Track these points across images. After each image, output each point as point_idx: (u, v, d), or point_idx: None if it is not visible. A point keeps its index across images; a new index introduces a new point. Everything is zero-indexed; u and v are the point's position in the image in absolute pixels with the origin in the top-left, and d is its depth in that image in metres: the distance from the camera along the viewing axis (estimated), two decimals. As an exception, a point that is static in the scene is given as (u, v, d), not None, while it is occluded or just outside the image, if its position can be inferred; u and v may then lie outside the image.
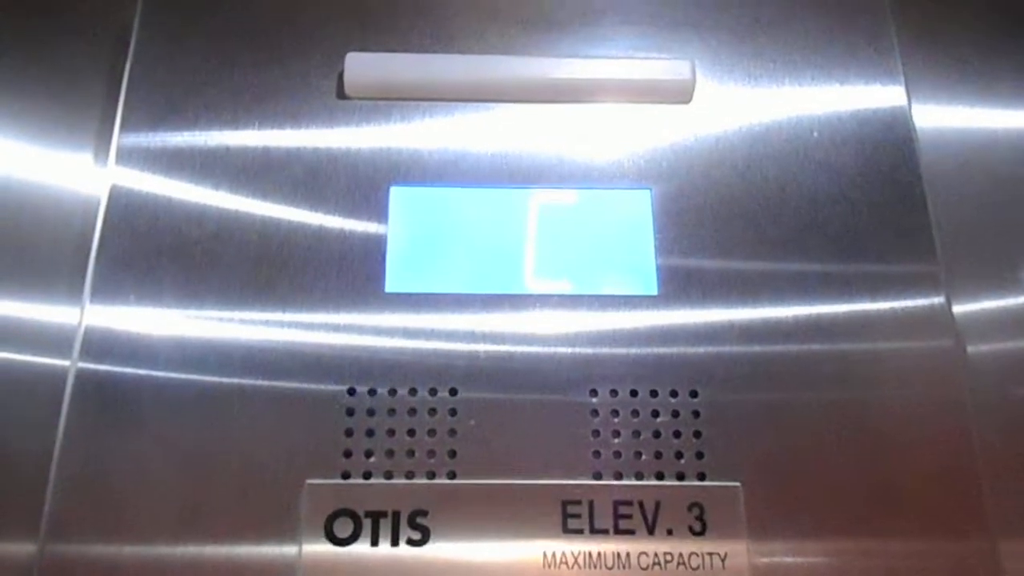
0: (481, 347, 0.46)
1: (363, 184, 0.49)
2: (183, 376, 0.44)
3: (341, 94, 0.50)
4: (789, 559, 0.43)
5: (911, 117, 0.52)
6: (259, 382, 0.44)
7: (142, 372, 0.43)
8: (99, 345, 0.43)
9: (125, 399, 0.42)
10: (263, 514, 0.42)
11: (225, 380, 0.44)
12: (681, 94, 0.51)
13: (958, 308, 0.47)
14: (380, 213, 0.48)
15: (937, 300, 0.47)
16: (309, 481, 0.42)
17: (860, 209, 0.49)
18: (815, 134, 0.51)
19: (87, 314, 0.44)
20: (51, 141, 0.50)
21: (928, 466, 0.44)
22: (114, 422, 0.42)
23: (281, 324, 0.45)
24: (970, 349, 0.46)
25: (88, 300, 0.44)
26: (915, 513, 0.43)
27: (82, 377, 0.43)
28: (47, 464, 0.40)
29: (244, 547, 0.41)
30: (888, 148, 0.51)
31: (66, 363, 0.43)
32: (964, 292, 0.48)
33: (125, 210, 0.47)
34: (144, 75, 0.50)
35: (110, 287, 0.45)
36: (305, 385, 0.44)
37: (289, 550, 0.41)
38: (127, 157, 0.48)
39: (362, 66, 0.50)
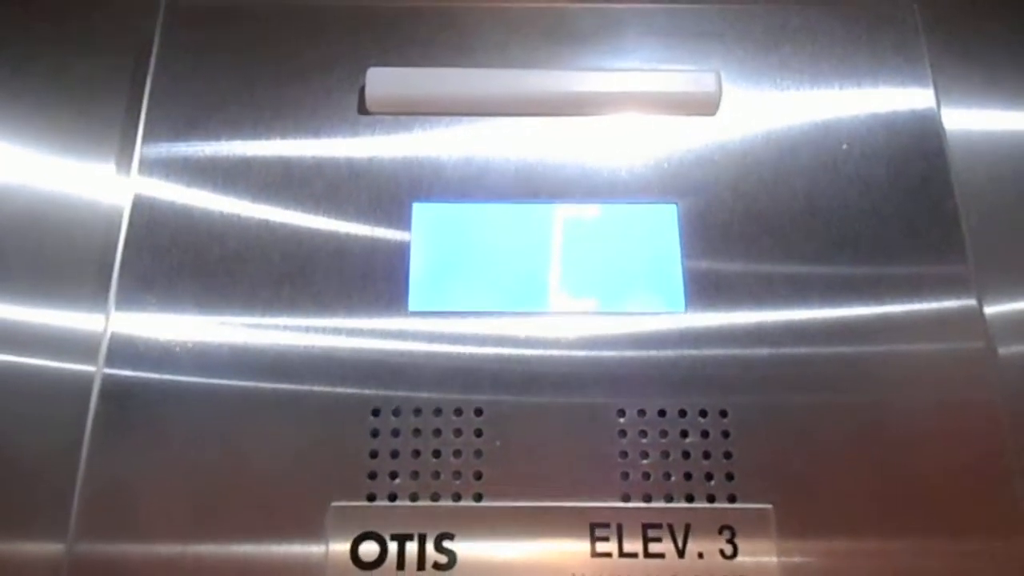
0: (506, 366, 0.45)
1: (385, 200, 0.48)
2: (206, 387, 0.44)
3: (362, 109, 0.50)
4: (823, 583, 0.42)
5: (941, 124, 0.51)
6: (282, 402, 0.44)
7: (166, 379, 0.44)
8: (124, 352, 0.44)
9: (149, 405, 0.43)
10: (287, 537, 0.42)
11: (249, 396, 0.44)
12: (707, 106, 0.51)
13: (989, 310, 0.47)
14: (402, 229, 0.48)
15: (968, 302, 0.46)
16: (334, 504, 0.42)
17: (891, 222, 0.49)
18: (844, 146, 0.51)
19: (112, 321, 0.45)
20: (75, 153, 0.51)
21: (962, 469, 0.43)
22: (139, 427, 0.42)
23: (304, 342, 0.45)
24: (1001, 351, 0.46)
25: (113, 307, 0.45)
26: (951, 518, 0.42)
27: (108, 383, 0.43)
28: (75, 466, 0.41)
29: (269, 568, 0.41)
30: (919, 158, 0.50)
31: (92, 369, 0.44)
32: (995, 294, 0.48)
33: (148, 220, 0.47)
34: (165, 90, 0.51)
35: (134, 296, 0.45)
36: (329, 405, 0.44)
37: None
38: (150, 169, 0.48)
39: (383, 81, 0.50)
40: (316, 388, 0.44)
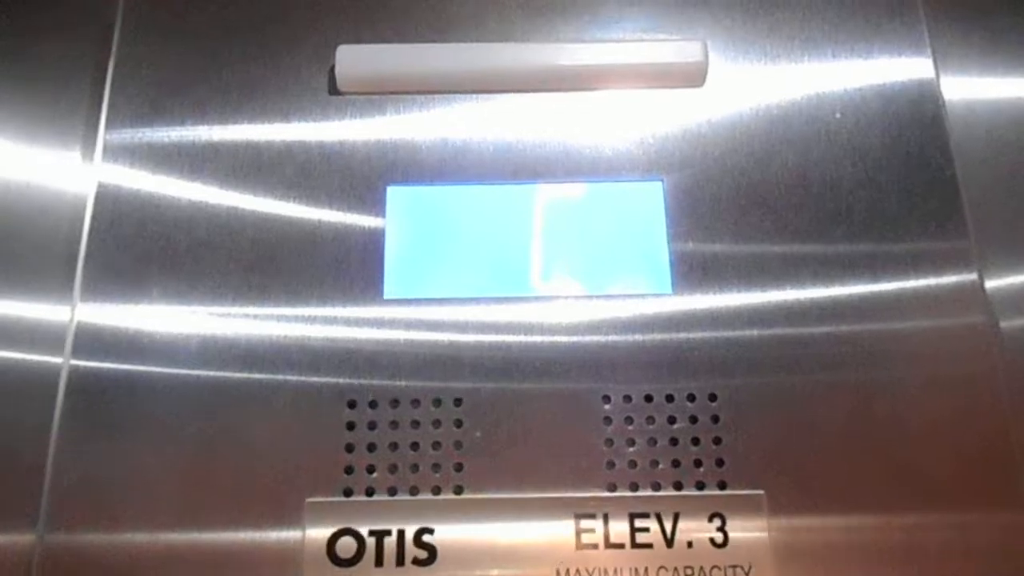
0: (486, 354, 0.44)
1: (358, 184, 0.47)
2: (175, 378, 0.43)
3: (333, 89, 0.49)
4: (819, 571, 0.41)
5: (939, 91, 0.50)
6: (254, 394, 0.44)
7: (134, 370, 0.43)
8: (91, 342, 0.43)
9: (117, 396, 0.43)
10: (262, 532, 0.41)
11: (219, 388, 0.43)
12: (693, 77, 0.50)
13: (990, 284, 0.46)
14: (377, 214, 0.47)
15: (969, 277, 0.45)
16: (310, 499, 0.42)
17: (887, 193, 0.48)
18: (838, 115, 0.49)
19: (78, 312, 0.44)
20: (37, 139, 0.50)
21: (964, 445, 0.43)
22: (107, 419, 0.42)
23: (276, 332, 0.45)
24: (1003, 324, 0.46)
25: (79, 298, 0.44)
26: (954, 497, 0.42)
27: (75, 374, 0.43)
28: (44, 458, 0.41)
29: (243, 566, 0.41)
30: (916, 126, 0.49)
31: (59, 360, 0.43)
32: (996, 268, 0.47)
33: (113, 208, 0.46)
34: (128, 73, 0.49)
35: (100, 285, 0.45)
36: (303, 397, 0.43)
37: (291, 574, 0.40)
38: (114, 155, 0.48)
39: (354, 59, 0.49)
40: (289, 379, 0.44)
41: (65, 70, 0.52)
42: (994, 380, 0.44)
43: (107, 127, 0.48)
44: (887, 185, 0.48)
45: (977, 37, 0.54)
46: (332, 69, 0.49)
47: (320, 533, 0.41)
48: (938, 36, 0.52)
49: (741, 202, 0.47)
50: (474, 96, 0.49)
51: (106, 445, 0.42)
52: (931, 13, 0.52)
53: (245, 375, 0.44)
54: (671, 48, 0.50)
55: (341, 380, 0.44)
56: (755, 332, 0.45)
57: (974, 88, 0.52)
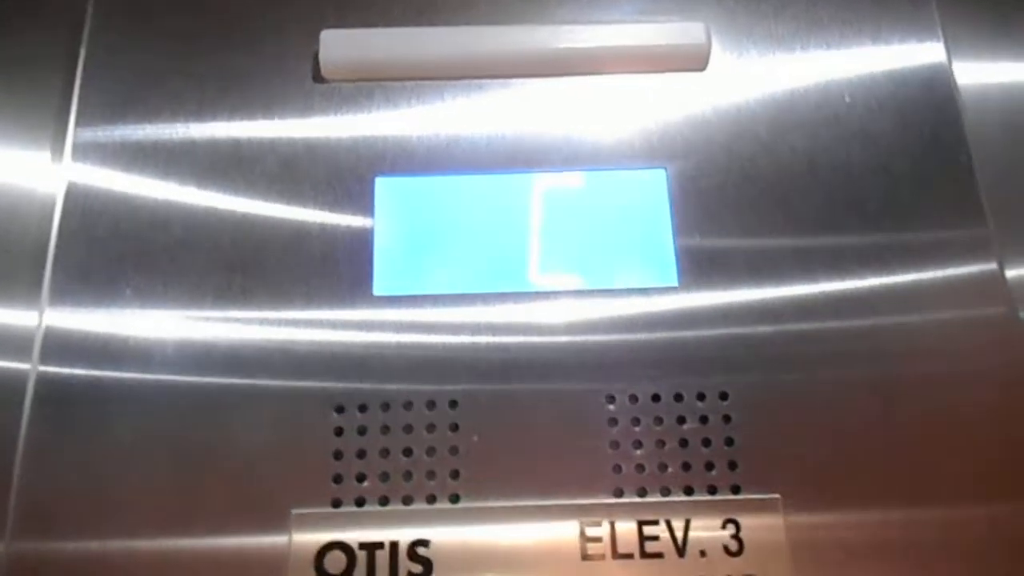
0: (483, 354, 0.43)
1: (345, 176, 0.46)
2: (150, 384, 0.42)
3: (317, 77, 0.47)
4: (838, 578, 0.39)
5: (952, 75, 0.48)
6: (235, 400, 0.42)
7: (106, 375, 0.42)
8: (60, 347, 0.42)
9: (88, 403, 0.41)
10: (245, 546, 0.39)
11: (198, 393, 0.42)
12: (695, 60, 0.48)
13: (1011, 272, 0.45)
14: (365, 207, 0.45)
15: (989, 266, 0.44)
16: (296, 511, 0.40)
17: (900, 179, 0.46)
18: (847, 99, 0.48)
19: (46, 316, 0.43)
20: (4, 136, 0.49)
21: (987, 438, 0.42)
22: (77, 426, 0.41)
23: (258, 334, 0.43)
24: (1023, 314, 0.45)
25: (47, 302, 0.43)
26: (976, 491, 0.41)
27: (42, 380, 0.42)
28: (10, 465, 0.40)
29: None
30: (929, 110, 0.48)
31: (26, 366, 0.42)
32: (1016, 256, 0.46)
33: (83, 209, 0.45)
34: (100, 64, 0.48)
35: (70, 288, 0.43)
36: (288, 402, 0.42)
37: (275, 591, 0.38)
38: (84, 153, 0.46)
39: (339, 44, 0.47)
40: (273, 383, 0.42)
41: (34, 62, 0.50)
42: (1017, 371, 0.42)
43: (78, 121, 0.46)
44: (900, 172, 0.46)
45: (987, 21, 0.53)
46: (316, 55, 0.47)
47: (307, 546, 0.39)
48: (947, 17, 0.50)
49: (748, 191, 0.46)
50: (466, 82, 0.48)
51: (76, 453, 0.41)
52: (940, -5, 0.51)
53: (226, 380, 0.42)
54: (672, 30, 0.48)
55: (328, 383, 0.42)
56: (766, 327, 0.43)
57: (986, 72, 0.52)
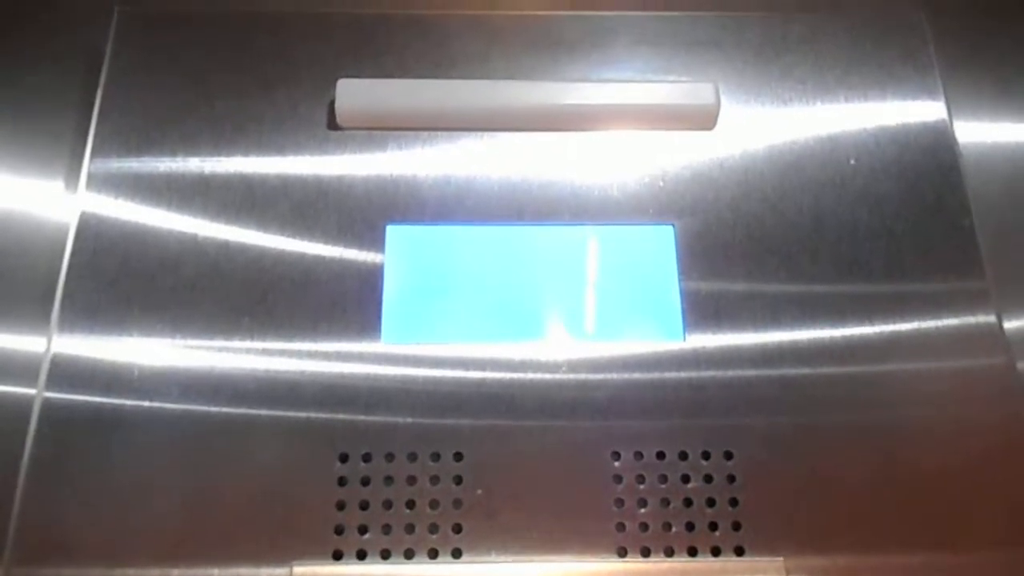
0: (489, 406, 0.43)
1: (356, 222, 0.46)
2: (154, 412, 0.42)
3: (332, 124, 0.48)
4: (842, 645, 0.39)
5: (954, 136, 0.50)
6: (239, 448, 0.42)
7: (110, 403, 0.42)
8: (66, 375, 0.42)
9: (92, 431, 0.42)
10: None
11: (201, 428, 0.42)
12: (704, 120, 0.49)
13: (1009, 325, 0.46)
14: (375, 253, 0.46)
15: (987, 318, 0.45)
16: (297, 566, 0.39)
17: (904, 240, 0.47)
18: (852, 161, 0.49)
19: (54, 343, 0.43)
20: (19, 166, 0.50)
21: (989, 489, 0.42)
22: (80, 453, 0.41)
23: (264, 377, 0.43)
24: (1021, 366, 0.46)
25: (55, 329, 0.43)
26: (981, 542, 0.41)
27: (48, 406, 0.42)
28: (12, 490, 0.40)
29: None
30: (932, 173, 0.49)
31: (32, 391, 0.42)
32: (1013, 308, 0.48)
33: (96, 238, 0.45)
34: (116, 102, 0.48)
35: (78, 317, 0.44)
36: (291, 450, 0.41)
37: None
38: (99, 186, 0.46)
39: (355, 93, 0.48)
40: (278, 430, 0.42)
41: (52, 97, 0.51)
42: (1017, 422, 0.43)
43: (93, 155, 0.47)
44: (903, 232, 0.47)
45: (988, 82, 0.55)
46: (332, 103, 0.48)
47: (307, 601, 0.39)
48: (950, 81, 0.52)
49: (754, 247, 0.47)
50: (478, 134, 0.49)
51: (77, 479, 0.41)
52: (942, 59, 0.52)
53: (231, 423, 0.42)
54: (682, 90, 0.49)
55: (334, 431, 0.42)
56: (772, 384, 0.44)
57: (986, 132, 0.53)
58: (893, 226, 0.47)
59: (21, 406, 0.43)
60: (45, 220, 0.48)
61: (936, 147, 0.50)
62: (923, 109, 0.50)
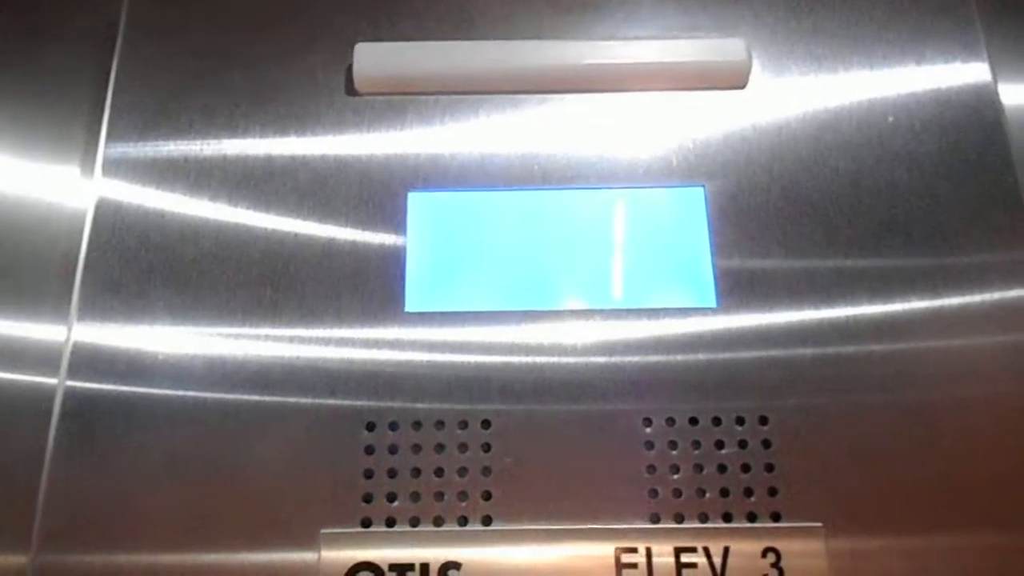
0: (516, 373, 0.43)
1: (378, 191, 0.47)
2: (178, 400, 0.43)
3: (351, 90, 0.49)
4: (883, 612, 0.39)
5: (997, 93, 0.49)
6: (264, 417, 0.42)
7: (133, 391, 0.43)
8: (88, 362, 0.43)
9: (115, 418, 0.42)
10: (271, 567, 0.40)
11: (227, 410, 0.42)
12: (735, 78, 0.49)
13: None
14: (397, 223, 0.46)
15: None
16: (324, 530, 0.40)
17: (945, 201, 0.47)
18: (890, 119, 0.49)
19: (75, 331, 0.44)
20: (35, 151, 0.50)
21: None
22: (103, 441, 0.42)
23: (288, 351, 0.44)
24: None
25: (75, 317, 0.44)
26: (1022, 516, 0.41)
27: (70, 395, 0.42)
28: (37, 480, 0.41)
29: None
30: (974, 131, 0.48)
31: (54, 381, 0.43)
32: None
33: (113, 225, 0.46)
34: (131, 77, 0.49)
35: (98, 305, 0.44)
36: (318, 420, 0.42)
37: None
38: (115, 168, 0.47)
39: (373, 58, 0.48)
40: (303, 400, 0.43)
41: (66, 76, 0.52)
42: None
43: (109, 134, 0.48)
44: (945, 194, 0.47)
45: None
46: (349, 69, 0.48)
47: (336, 567, 0.40)
48: (992, 36, 0.51)
49: (789, 211, 0.47)
50: (501, 97, 0.49)
51: (102, 467, 0.41)
52: (984, 12, 0.51)
53: (255, 397, 0.43)
54: (711, 47, 0.49)
55: (359, 401, 0.43)
56: (807, 350, 0.44)
57: None
58: (934, 185, 0.47)
59: (43, 396, 0.43)
60: (61, 206, 0.49)
61: (978, 103, 0.49)
62: (964, 63, 0.50)
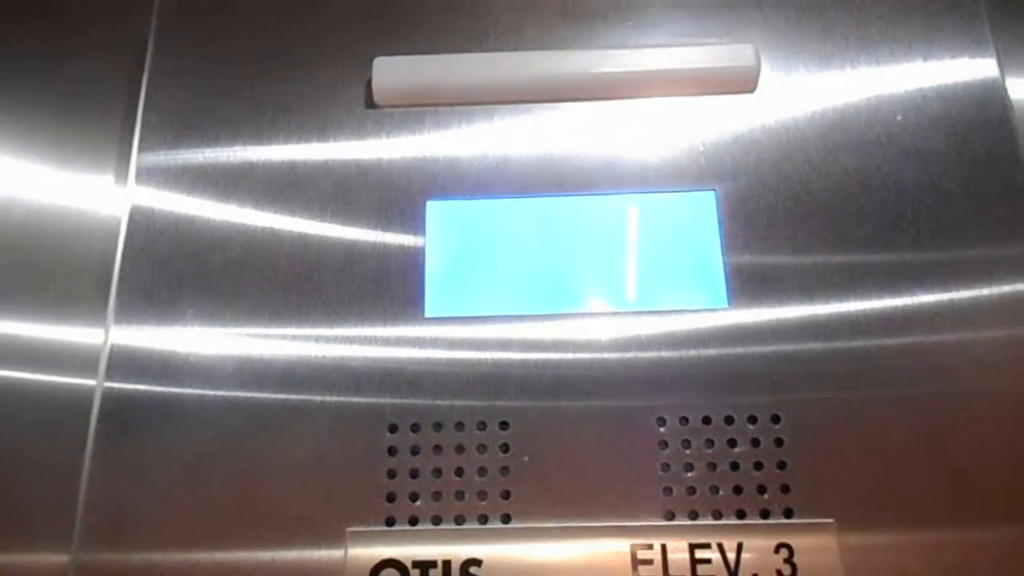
0: (533, 374, 0.44)
1: (397, 199, 0.47)
2: (210, 400, 0.43)
3: (370, 103, 0.49)
4: (895, 606, 0.39)
5: (1005, 89, 0.48)
6: (292, 418, 0.43)
7: (169, 392, 0.44)
8: (124, 364, 0.44)
9: (152, 419, 0.43)
10: (299, 564, 0.41)
11: (256, 411, 0.43)
12: (744, 82, 0.49)
13: None
14: (417, 230, 0.47)
15: None
16: (350, 529, 0.41)
17: (954, 198, 0.46)
18: (899, 117, 0.48)
19: (112, 334, 0.44)
20: (71, 162, 0.51)
21: None
22: (141, 441, 0.43)
23: (313, 351, 0.44)
24: None
25: (112, 320, 0.45)
26: None
27: (108, 397, 0.43)
28: (78, 479, 0.42)
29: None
30: (982, 128, 0.48)
31: (92, 383, 0.44)
32: None
33: (146, 231, 0.47)
34: (161, 91, 0.50)
35: (133, 307, 0.45)
36: (342, 421, 0.43)
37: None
38: (147, 177, 0.48)
39: (391, 71, 0.49)
40: (328, 402, 0.43)
41: (98, 90, 0.53)
42: None
43: (140, 146, 0.49)
44: (954, 190, 0.47)
45: None
46: (368, 82, 0.49)
47: (362, 564, 0.40)
48: (1000, 33, 0.50)
49: (799, 211, 0.46)
50: (515, 107, 0.49)
51: (140, 467, 0.42)
52: (992, 8, 0.51)
53: (282, 397, 0.43)
54: (720, 52, 0.49)
55: (382, 402, 0.43)
56: (818, 347, 0.44)
57: None
58: (942, 182, 0.47)
59: (83, 397, 0.44)
60: (96, 214, 0.50)
61: (986, 100, 0.48)
62: (972, 61, 0.49)
